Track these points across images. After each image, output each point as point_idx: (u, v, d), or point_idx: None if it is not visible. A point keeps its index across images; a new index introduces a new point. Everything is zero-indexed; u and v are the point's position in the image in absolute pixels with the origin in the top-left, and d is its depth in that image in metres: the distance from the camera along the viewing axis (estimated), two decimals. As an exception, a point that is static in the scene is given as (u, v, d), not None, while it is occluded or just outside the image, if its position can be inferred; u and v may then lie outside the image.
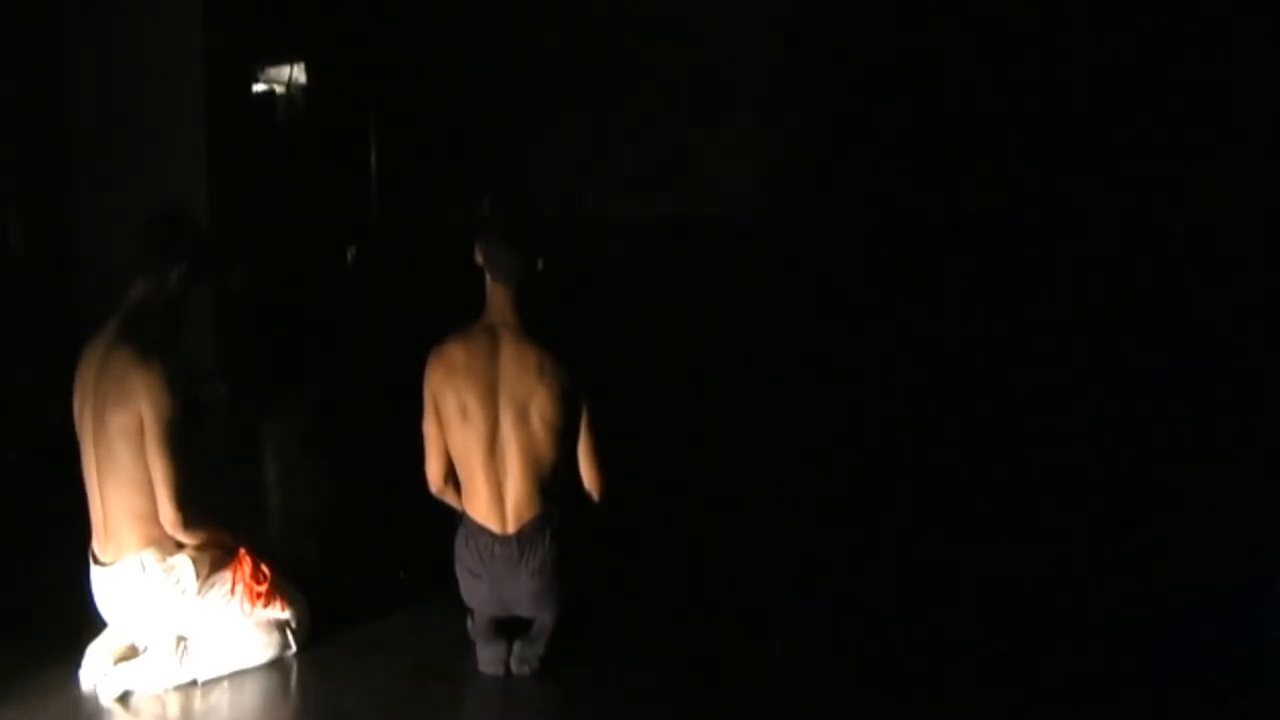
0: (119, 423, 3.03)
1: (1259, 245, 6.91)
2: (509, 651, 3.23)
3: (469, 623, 3.37)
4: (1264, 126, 6.94)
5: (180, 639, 3.20)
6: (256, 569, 3.23)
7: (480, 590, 3.27)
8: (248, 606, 3.22)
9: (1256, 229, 6.91)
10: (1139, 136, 7.18)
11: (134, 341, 3.06)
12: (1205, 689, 3.20)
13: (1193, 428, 5.64)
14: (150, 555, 3.11)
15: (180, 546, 3.15)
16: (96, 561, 3.16)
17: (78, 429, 3.15)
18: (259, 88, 7.01)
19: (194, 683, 3.17)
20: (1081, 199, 7.31)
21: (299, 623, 3.33)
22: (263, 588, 3.22)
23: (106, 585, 3.14)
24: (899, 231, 7.73)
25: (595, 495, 3.29)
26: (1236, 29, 6.97)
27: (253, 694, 3.14)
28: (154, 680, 3.14)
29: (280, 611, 3.28)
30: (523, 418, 3.18)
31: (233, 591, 3.21)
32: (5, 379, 5.29)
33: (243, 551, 3.24)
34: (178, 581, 3.13)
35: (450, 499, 3.33)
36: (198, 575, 3.16)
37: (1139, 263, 7.14)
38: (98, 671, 3.14)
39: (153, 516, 3.08)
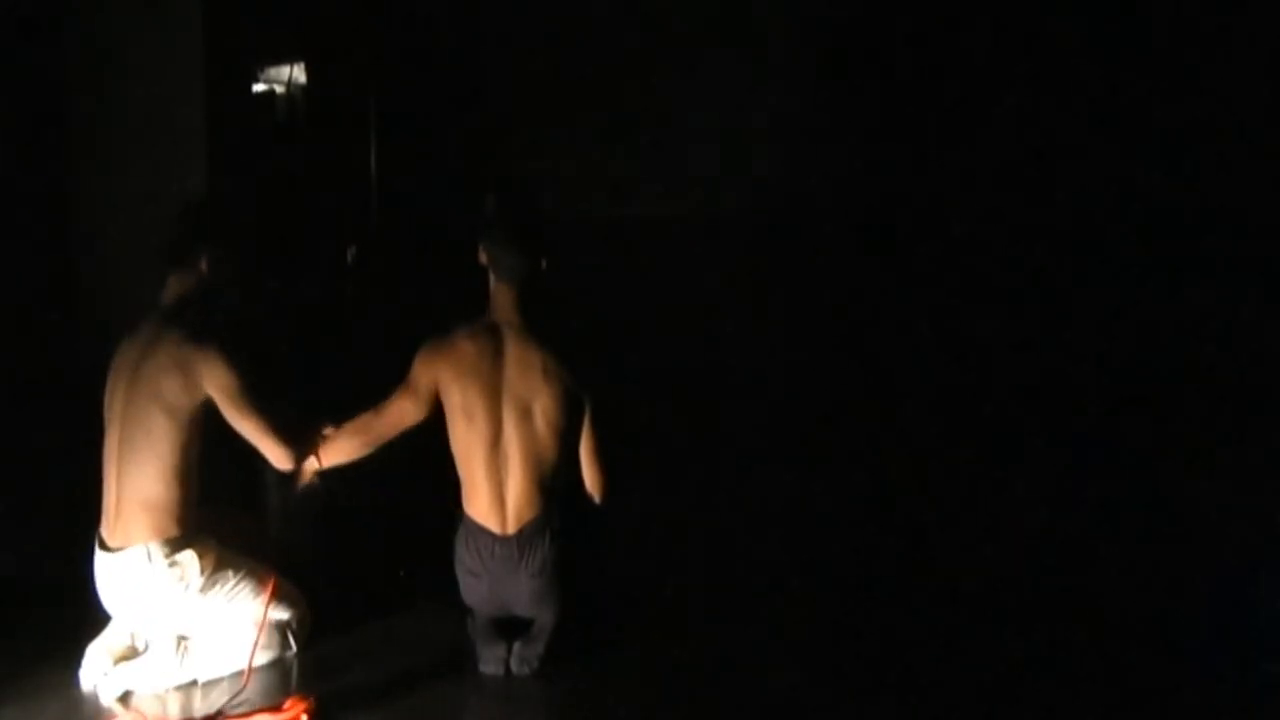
0: (165, 404, 3.09)
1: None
2: (509, 651, 3.23)
3: (469, 623, 3.37)
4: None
5: (180, 639, 3.20)
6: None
7: (480, 590, 3.28)
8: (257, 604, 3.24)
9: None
10: (1138, 135, 7.18)
11: (182, 329, 3.15)
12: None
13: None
14: (157, 547, 3.11)
15: (187, 542, 3.15)
16: (103, 545, 3.16)
17: (105, 416, 3.20)
18: (259, 88, 7.02)
19: (194, 683, 3.18)
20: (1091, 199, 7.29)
21: (299, 623, 3.34)
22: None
23: (110, 571, 3.14)
24: (897, 232, 7.72)
25: (596, 495, 3.30)
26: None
27: (252, 694, 3.14)
28: (154, 680, 3.14)
29: (280, 612, 3.29)
30: (526, 418, 3.18)
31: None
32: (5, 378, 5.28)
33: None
34: (181, 576, 3.13)
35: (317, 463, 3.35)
36: (202, 571, 3.16)
37: (1140, 260, 7.13)
38: (98, 671, 3.15)
39: (165, 508, 3.10)
